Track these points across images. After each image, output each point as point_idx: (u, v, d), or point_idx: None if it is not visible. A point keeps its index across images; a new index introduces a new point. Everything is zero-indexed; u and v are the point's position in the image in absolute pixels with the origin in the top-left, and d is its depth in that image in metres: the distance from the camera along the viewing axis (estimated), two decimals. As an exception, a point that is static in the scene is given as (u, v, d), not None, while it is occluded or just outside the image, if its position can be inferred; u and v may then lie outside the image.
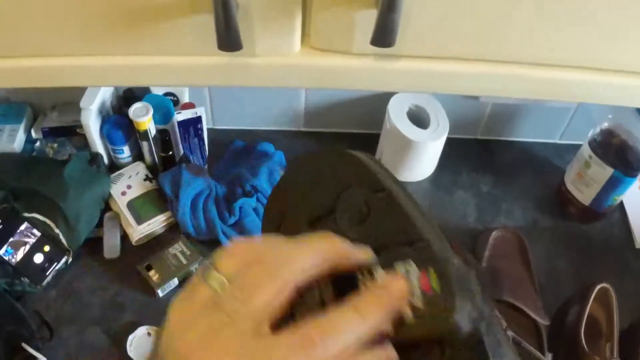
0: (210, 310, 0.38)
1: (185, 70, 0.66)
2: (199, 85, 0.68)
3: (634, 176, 1.20)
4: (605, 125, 1.23)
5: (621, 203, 1.37)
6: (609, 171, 1.21)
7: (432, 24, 0.64)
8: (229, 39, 0.59)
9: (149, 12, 0.59)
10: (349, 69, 0.68)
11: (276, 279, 0.39)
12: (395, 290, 0.39)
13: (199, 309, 0.39)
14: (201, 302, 0.39)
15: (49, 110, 1.29)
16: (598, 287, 1.14)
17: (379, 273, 0.40)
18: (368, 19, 0.61)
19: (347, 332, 0.37)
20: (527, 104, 1.35)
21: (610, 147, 1.21)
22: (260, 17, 0.62)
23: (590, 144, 1.24)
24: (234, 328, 0.37)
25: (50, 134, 1.26)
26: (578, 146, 1.44)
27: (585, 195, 1.28)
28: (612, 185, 1.22)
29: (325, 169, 0.50)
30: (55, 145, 1.25)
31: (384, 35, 0.61)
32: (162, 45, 0.63)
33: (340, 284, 0.41)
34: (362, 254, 0.44)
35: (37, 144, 1.26)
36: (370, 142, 1.37)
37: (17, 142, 1.26)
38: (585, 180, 1.26)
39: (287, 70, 0.68)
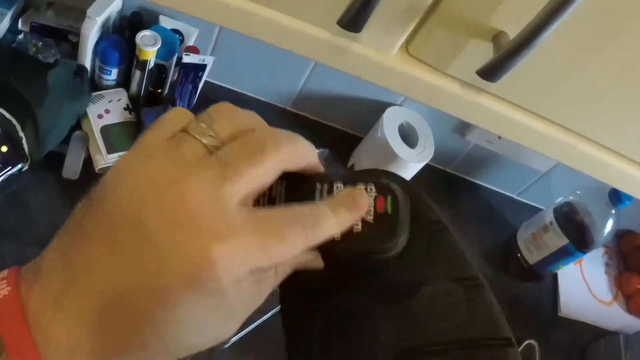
0: (206, 165, 0.34)
1: (285, 31, 0.64)
2: (288, 48, 0.66)
3: (584, 252, 1.27)
4: (571, 198, 1.28)
5: (555, 273, 1.43)
6: (563, 241, 1.26)
7: (531, 77, 0.65)
8: (355, 19, 0.57)
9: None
10: (432, 85, 0.68)
11: (278, 155, 0.37)
12: (360, 200, 0.40)
13: (190, 162, 0.35)
14: (191, 156, 0.35)
15: (44, 6, 1.19)
16: (525, 343, 1.19)
17: (339, 187, 0.41)
18: (477, 48, 0.62)
19: (325, 228, 0.37)
20: (504, 154, 1.38)
21: (571, 220, 1.26)
22: (384, 10, 0.60)
23: (555, 210, 1.29)
24: (232, 191, 0.34)
25: (39, 30, 1.17)
26: (531, 207, 1.50)
27: (533, 255, 1.33)
28: (562, 254, 1.28)
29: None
30: (40, 44, 1.15)
31: (495, 71, 0.61)
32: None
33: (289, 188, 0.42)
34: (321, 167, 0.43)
35: (21, 36, 1.16)
36: (349, 142, 1.37)
37: (1, 28, 1.16)
38: (538, 243, 1.31)
39: (376, 66, 0.67)
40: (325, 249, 0.39)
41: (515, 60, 0.58)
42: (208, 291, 0.33)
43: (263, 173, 0.36)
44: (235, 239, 0.33)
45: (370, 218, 0.40)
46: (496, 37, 0.62)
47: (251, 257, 0.34)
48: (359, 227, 0.39)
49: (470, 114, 0.71)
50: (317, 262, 0.41)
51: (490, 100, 0.69)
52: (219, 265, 0.32)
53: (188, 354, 0.35)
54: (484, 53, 0.61)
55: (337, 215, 0.38)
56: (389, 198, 0.40)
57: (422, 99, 0.70)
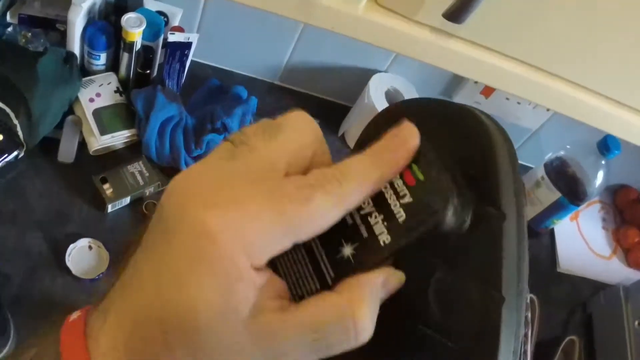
0: (220, 148, 0.34)
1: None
2: (258, 7, 0.67)
3: (578, 205, 1.28)
4: (561, 153, 1.30)
5: (552, 230, 1.45)
6: (556, 195, 1.28)
7: (499, 17, 0.66)
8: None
9: None
10: (403, 33, 0.69)
11: (292, 129, 0.35)
12: (402, 131, 0.35)
13: (211, 153, 0.34)
14: (215, 149, 0.34)
15: (30, -4, 1.22)
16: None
17: (374, 215, 0.36)
18: (443, -8, 0.63)
19: (354, 176, 0.33)
20: (493, 114, 1.39)
21: (562, 174, 1.28)
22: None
23: (545, 166, 1.30)
24: (237, 166, 0.33)
25: (28, 22, 1.19)
26: (524, 167, 1.52)
27: (527, 212, 1.34)
28: (556, 208, 1.29)
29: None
30: (29, 34, 1.18)
31: (460, 12, 0.63)
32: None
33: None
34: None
35: (10, 29, 1.19)
36: (338, 112, 1.39)
37: (-11, 21, 1.18)
38: (531, 199, 1.32)
39: (346, 18, 0.68)
40: (391, 254, 0.35)
41: (478, -2, 0.60)
42: (211, 264, 0.30)
43: (276, 147, 0.34)
44: (241, 204, 0.31)
45: (407, 200, 0.35)
46: (461, -22, 0.63)
47: (264, 224, 0.31)
48: (402, 215, 0.35)
49: (443, 60, 0.73)
50: (399, 278, 0.36)
51: (461, 45, 0.71)
52: (217, 233, 0.30)
53: None
54: (450, -3, 0.62)
55: (371, 159, 0.34)
56: (413, 165, 0.35)
57: (394, 48, 0.72)
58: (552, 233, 1.45)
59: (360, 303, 0.32)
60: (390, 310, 0.36)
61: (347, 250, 0.35)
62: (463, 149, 0.37)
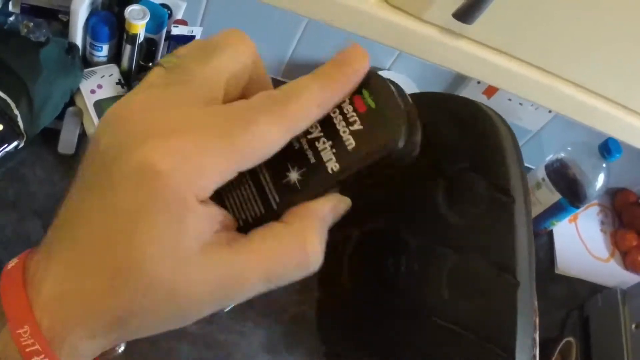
0: (156, 75, 0.32)
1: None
2: (273, 4, 0.66)
3: (578, 207, 1.28)
4: (562, 155, 1.30)
5: (551, 231, 1.45)
6: (556, 196, 1.27)
7: (507, 18, 0.66)
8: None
9: None
10: (412, 32, 0.69)
11: (227, 48, 0.33)
12: (351, 51, 0.34)
13: (145, 80, 0.33)
14: (150, 76, 0.33)
15: (33, -14, 1.21)
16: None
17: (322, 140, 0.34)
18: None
19: (302, 99, 0.32)
20: (495, 115, 1.39)
21: (563, 176, 1.28)
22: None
23: (546, 167, 1.30)
24: (178, 91, 0.31)
25: (30, 11, 1.18)
26: (525, 168, 1.52)
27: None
28: (556, 210, 1.29)
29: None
30: (31, 24, 1.17)
31: (469, 12, 0.63)
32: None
33: None
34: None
35: (12, 18, 1.18)
36: (340, 109, 1.38)
37: (-9, 10, 1.17)
38: (531, 200, 1.32)
39: (355, 15, 0.68)
40: (338, 182, 0.34)
41: (488, -1, 0.60)
42: (160, 201, 0.29)
43: (212, 69, 0.32)
44: (182, 134, 0.29)
45: (357, 127, 0.33)
46: (470, -22, 0.63)
47: (208, 154, 0.29)
48: (351, 143, 0.33)
49: (450, 60, 0.73)
50: (346, 203, 0.35)
51: (469, 45, 0.71)
52: (161, 167, 0.28)
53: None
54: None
55: (317, 79, 0.32)
56: (364, 92, 0.34)
57: (402, 47, 0.72)
58: (550, 234, 1.45)
59: (311, 232, 0.32)
60: (404, 305, 0.37)
61: (294, 176, 0.34)
62: (472, 139, 0.39)
